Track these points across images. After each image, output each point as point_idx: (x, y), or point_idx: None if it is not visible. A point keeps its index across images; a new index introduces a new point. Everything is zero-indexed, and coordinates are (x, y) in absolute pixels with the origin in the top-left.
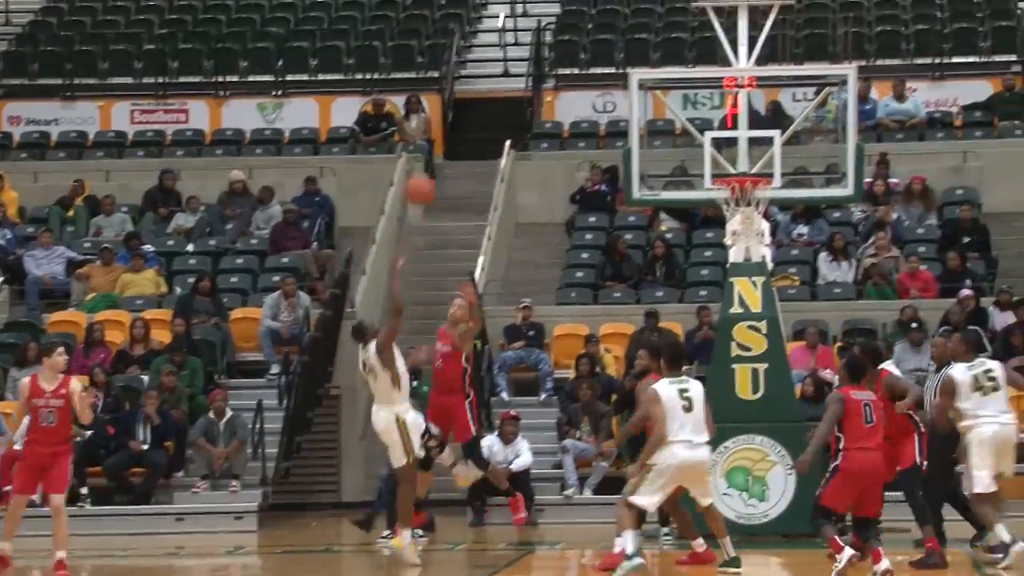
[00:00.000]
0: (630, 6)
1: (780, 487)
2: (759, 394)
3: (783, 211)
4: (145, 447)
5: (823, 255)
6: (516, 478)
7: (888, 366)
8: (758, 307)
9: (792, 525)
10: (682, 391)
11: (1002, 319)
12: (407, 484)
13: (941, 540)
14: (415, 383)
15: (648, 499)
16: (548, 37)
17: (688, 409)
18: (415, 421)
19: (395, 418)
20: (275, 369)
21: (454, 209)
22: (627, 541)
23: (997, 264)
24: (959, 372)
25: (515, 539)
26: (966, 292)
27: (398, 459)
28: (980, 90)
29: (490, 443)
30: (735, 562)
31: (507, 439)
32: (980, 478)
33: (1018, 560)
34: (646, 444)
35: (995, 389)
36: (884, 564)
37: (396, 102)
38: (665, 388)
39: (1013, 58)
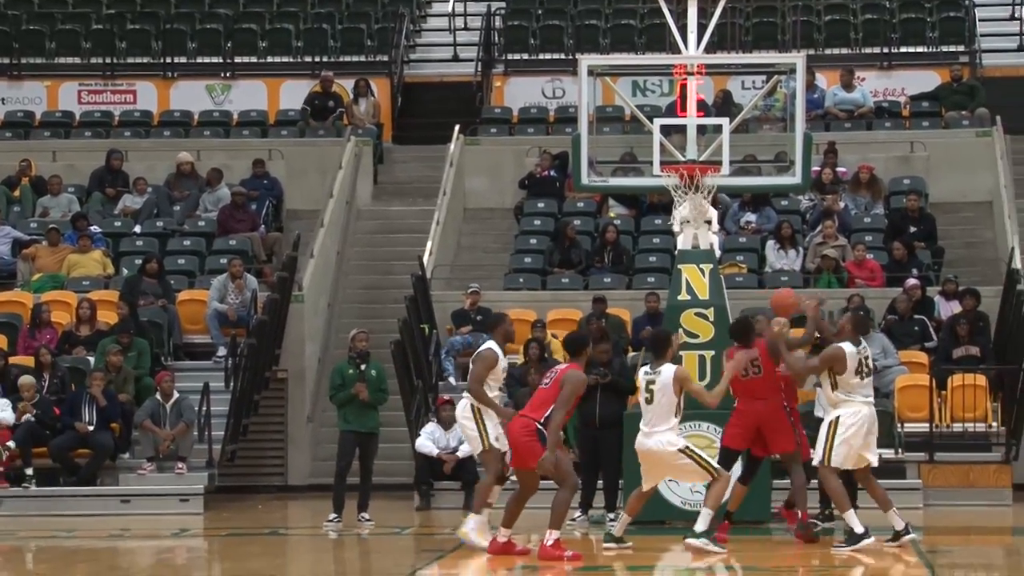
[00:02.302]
0: None
1: None
2: (706, 381)
3: (731, 198)
4: (91, 428)
5: (771, 243)
6: (461, 464)
7: None
8: (706, 294)
9: (738, 512)
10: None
11: (947, 308)
12: (489, 473)
13: None
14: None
15: None
16: (498, 22)
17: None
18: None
19: (470, 406)
20: (222, 352)
21: (402, 194)
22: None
23: (943, 254)
24: None
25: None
26: (912, 281)
27: (475, 447)
28: (928, 80)
29: (431, 430)
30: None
31: (446, 425)
32: None
33: None
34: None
35: None
36: None
37: (345, 86)
38: None
39: (961, 49)
